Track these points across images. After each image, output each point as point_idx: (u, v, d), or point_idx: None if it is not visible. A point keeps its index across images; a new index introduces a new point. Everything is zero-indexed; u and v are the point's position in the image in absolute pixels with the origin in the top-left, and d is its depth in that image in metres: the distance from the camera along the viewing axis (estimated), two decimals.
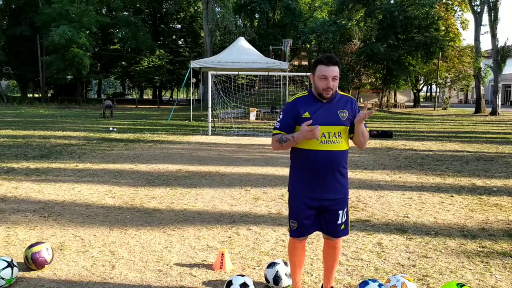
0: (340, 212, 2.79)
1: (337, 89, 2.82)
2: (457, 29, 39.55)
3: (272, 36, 39.12)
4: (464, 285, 2.91)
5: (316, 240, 4.21)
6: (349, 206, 5.38)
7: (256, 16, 42.26)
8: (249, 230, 4.54)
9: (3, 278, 3.09)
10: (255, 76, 32.37)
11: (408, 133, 16.59)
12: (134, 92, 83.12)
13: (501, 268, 3.59)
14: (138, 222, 4.76)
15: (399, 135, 15.44)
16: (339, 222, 2.81)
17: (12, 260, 3.21)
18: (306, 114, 2.69)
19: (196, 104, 30.51)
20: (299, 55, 44.07)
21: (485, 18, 30.96)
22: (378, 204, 5.66)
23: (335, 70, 2.66)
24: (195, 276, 3.40)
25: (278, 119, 2.82)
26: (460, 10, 40.47)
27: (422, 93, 67.96)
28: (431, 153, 10.77)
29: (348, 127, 2.76)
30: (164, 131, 15.97)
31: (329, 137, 2.67)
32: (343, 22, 37.03)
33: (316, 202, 2.75)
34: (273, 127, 2.86)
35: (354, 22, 38.91)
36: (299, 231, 2.82)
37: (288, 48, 29.59)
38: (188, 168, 8.15)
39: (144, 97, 71.99)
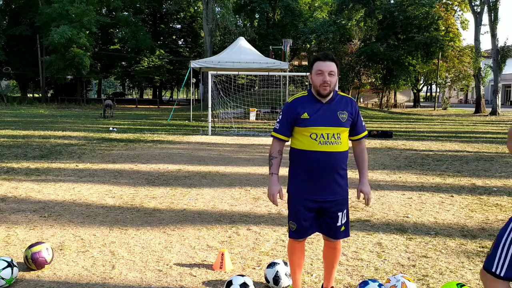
0: (340, 214, 2.78)
1: (336, 89, 2.82)
2: (457, 29, 39.57)
3: (272, 36, 39.14)
4: (464, 285, 2.91)
5: (316, 240, 4.21)
6: (349, 206, 5.40)
7: (256, 16, 42.29)
8: (249, 230, 4.54)
9: (3, 278, 3.09)
10: (255, 76, 32.37)
11: (408, 133, 16.59)
12: (134, 92, 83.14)
13: None
14: (138, 222, 4.76)
15: (399, 135, 15.44)
16: (339, 224, 2.79)
17: (12, 260, 3.20)
18: (305, 115, 2.69)
19: (196, 104, 30.52)
20: (299, 55, 44.10)
21: (485, 18, 31.02)
22: (378, 204, 5.66)
23: (331, 66, 2.66)
24: (195, 276, 3.40)
25: (278, 120, 2.82)
26: (460, 10, 40.49)
27: (422, 93, 67.99)
28: (431, 153, 10.77)
29: (348, 129, 2.76)
30: (164, 131, 15.97)
31: (328, 138, 2.66)
32: (343, 22, 37.02)
33: (315, 204, 2.74)
34: (273, 127, 2.87)
35: (354, 22, 38.89)
36: (298, 232, 2.81)
37: (288, 48, 29.60)
38: (188, 168, 8.15)
39: (144, 97, 71.98)
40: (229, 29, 34.39)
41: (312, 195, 2.72)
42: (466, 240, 4.26)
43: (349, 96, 2.87)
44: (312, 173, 2.70)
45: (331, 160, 2.68)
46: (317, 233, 2.91)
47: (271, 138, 2.90)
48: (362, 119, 2.86)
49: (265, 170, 8.09)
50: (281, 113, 2.82)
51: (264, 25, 41.28)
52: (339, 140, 2.69)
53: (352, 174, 7.79)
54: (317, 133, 2.65)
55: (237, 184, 6.81)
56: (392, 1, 36.60)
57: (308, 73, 2.85)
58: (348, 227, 2.87)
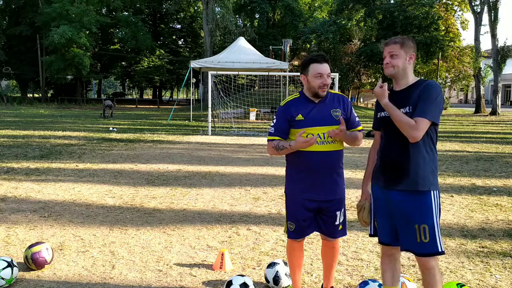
0: (338, 213, 2.79)
1: (337, 88, 2.82)
2: (457, 29, 39.54)
3: (272, 36, 39.12)
4: (464, 285, 2.91)
5: (316, 240, 4.21)
6: (349, 206, 5.41)
7: (256, 16, 42.28)
8: (249, 230, 4.54)
9: (3, 278, 3.09)
10: (255, 76, 32.37)
11: None
12: (134, 92, 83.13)
13: (501, 268, 3.59)
14: (138, 222, 4.75)
15: None
16: (337, 223, 2.80)
17: (12, 260, 3.20)
18: (300, 117, 2.69)
19: (196, 104, 30.51)
20: (299, 55, 44.07)
21: (485, 18, 31.01)
22: None
23: (328, 68, 2.69)
24: (195, 276, 3.40)
25: (272, 124, 2.81)
26: (460, 10, 40.46)
27: None
28: None
29: None
30: (164, 131, 15.97)
31: (324, 138, 2.66)
32: (343, 22, 37.03)
33: (314, 204, 2.74)
34: None
35: (354, 22, 38.91)
36: (297, 233, 2.81)
37: (288, 48, 29.59)
38: (188, 168, 8.15)
39: (144, 97, 72.00)
40: (229, 29, 34.36)
41: (311, 195, 2.72)
42: (466, 240, 4.26)
43: (340, 93, 2.87)
44: (310, 173, 2.70)
45: (328, 159, 2.69)
46: (318, 232, 2.91)
47: (267, 144, 2.88)
48: (356, 114, 2.86)
49: (265, 170, 8.09)
50: (275, 117, 2.81)
51: (264, 25, 41.26)
52: (335, 138, 2.69)
53: (352, 174, 7.80)
54: (313, 133, 2.65)
55: (237, 184, 6.81)
56: (392, 1, 36.60)
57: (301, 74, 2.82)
58: (346, 226, 2.88)
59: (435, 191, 2.44)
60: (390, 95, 2.51)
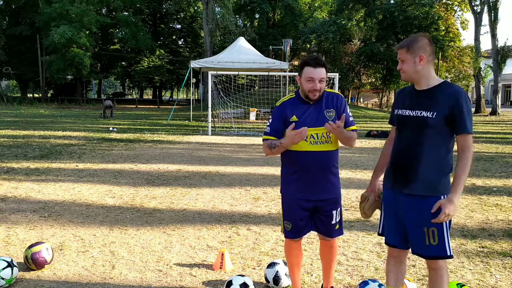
0: (334, 212, 2.79)
1: (337, 89, 2.81)
2: (457, 29, 39.55)
3: (272, 36, 39.13)
4: (464, 285, 2.92)
5: (315, 240, 4.21)
6: (349, 206, 5.41)
7: (256, 16, 42.27)
8: (249, 230, 4.54)
9: (3, 278, 3.09)
10: (255, 76, 32.37)
11: None
12: (134, 92, 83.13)
13: (501, 268, 3.59)
14: (138, 222, 4.76)
15: None
16: (333, 222, 2.80)
17: (12, 260, 3.20)
18: (294, 118, 2.69)
19: (196, 104, 30.52)
20: (299, 55, 44.08)
21: (485, 18, 31.03)
22: None
23: (322, 72, 2.64)
24: (195, 276, 3.40)
25: (268, 124, 2.81)
26: (460, 10, 40.47)
27: None
28: None
29: None
30: (164, 131, 15.97)
31: (318, 138, 2.67)
32: (343, 22, 37.04)
33: (309, 203, 2.75)
34: None
35: (354, 22, 38.90)
36: (293, 232, 2.82)
37: (288, 48, 29.59)
38: (188, 168, 8.15)
39: (144, 97, 71.97)
40: (229, 29, 34.35)
41: (306, 195, 2.73)
42: (466, 240, 4.26)
43: (335, 91, 2.85)
44: (305, 173, 2.71)
45: (322, 159, 2.69)
46: (316, 233, 2.91)
47: (262, 144, 2.87)
48: (350, 114, 2.81)
49: (265, 170, 8.09)
50: (271, 117, 2.81)
51: (264, 25, 41.25)
52: (329, 139, 2.69)
53: (352, 174, 7.80)
54: (307, 134, 2.65)
55: (237, 184, 6.81)
56: (392, 1, 36.62)
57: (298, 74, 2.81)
58: (342, 225, 2.88)
59: (445, 196, 2.36)
60: (411, 94, 2.46)
